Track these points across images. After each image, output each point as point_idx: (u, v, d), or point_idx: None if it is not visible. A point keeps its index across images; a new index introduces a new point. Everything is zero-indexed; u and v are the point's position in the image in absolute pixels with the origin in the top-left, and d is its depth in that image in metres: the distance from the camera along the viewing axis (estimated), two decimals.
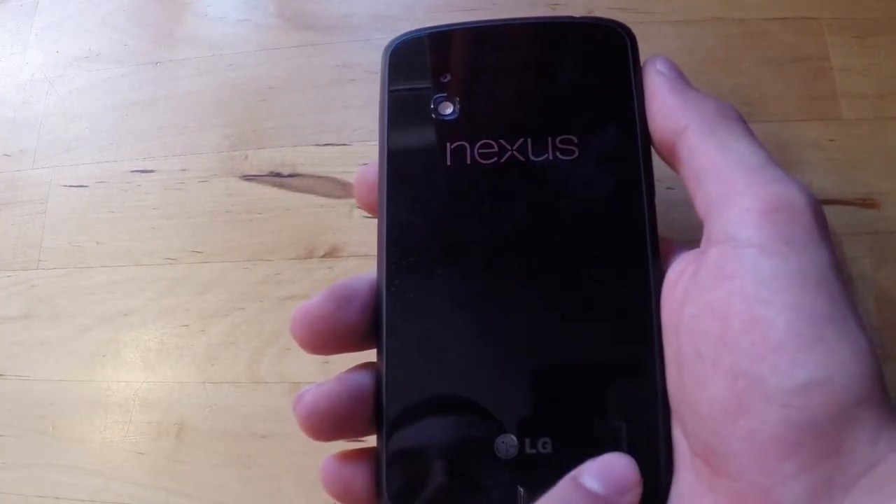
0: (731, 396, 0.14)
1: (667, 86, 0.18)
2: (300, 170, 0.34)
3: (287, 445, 0.30)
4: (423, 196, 0.19)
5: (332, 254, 0.32)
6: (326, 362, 0.30)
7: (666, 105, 0.18)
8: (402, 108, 0.20)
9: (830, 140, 0.30)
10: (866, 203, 0.29)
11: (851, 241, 0.29)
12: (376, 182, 0.19)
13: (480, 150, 0.19)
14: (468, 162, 0.19)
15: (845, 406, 0.13)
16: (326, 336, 0.17)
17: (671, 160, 0.18)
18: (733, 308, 0.14)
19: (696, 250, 0.17)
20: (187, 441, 0.31)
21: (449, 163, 0.19)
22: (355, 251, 0.32)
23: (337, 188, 0.33)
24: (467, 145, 0.19)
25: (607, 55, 0.19)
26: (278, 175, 0.34)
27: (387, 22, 0.36)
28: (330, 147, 0.34)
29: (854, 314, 0.14)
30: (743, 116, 0.17)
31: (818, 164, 0.30)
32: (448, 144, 0.19)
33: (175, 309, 0.33)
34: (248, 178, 0.34)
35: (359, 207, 0.20)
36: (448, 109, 0.19)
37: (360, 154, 0.33)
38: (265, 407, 0.30)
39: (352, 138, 0.34)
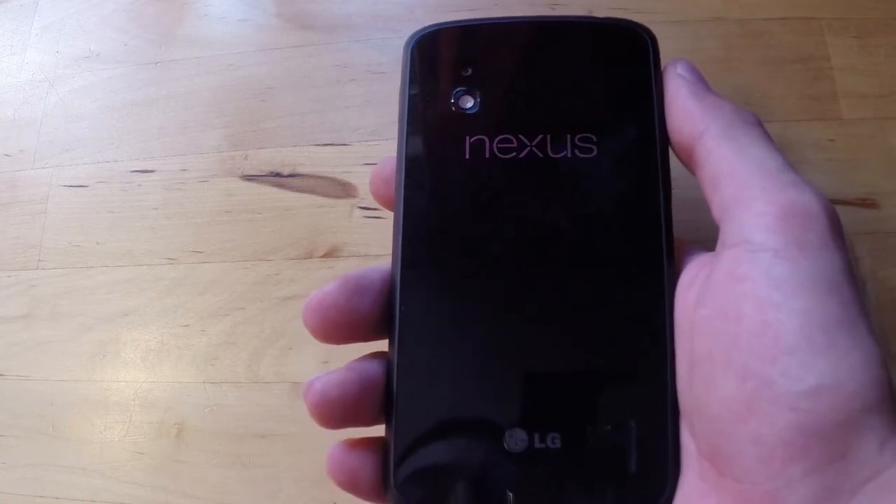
0: (740, 398, 0.14)
1: (686, 89, 0.18)
2: (300, 170, 0.34)
3: (287, 445, 0.30)
4: (440, 188, 0.19)
5: (332, 254, 0.32)
6: (327, 362, 0.30)
7: (685, 109, 0.18)
8: (422, 100, 0.20)
9: (830, 140, 0.30)
10: (866, 203, 0.29)
11: (851, 241, 0.29)
12: (393, 176, 0.19)
13: (499, 145, 0.19)
14: (487, 156, 0.19)
15: (853, 412, 0.13)
16: (339, 325, 0.17)
17: (689, 163, 0.18)
18: (745, 310, 0.14)
19: (711, 253, 0.17)
20: (187, 441, 0.31)
21: (468, 156, 0.19)
22: (355, 251, 0.32)
23: (337, 188, 0.33)
24: (486, 139, 0.19)
25: (628, 56, 0.19)
26: (278, 175, 0.34)
27: (387, 22, 0.36)
28: (330, 147, 0.34)
29: (865, 320, 0.14)
30: (761, 121, 0.17)
31: (818, 164, 0.30)
32: (467, 138, 0.19)
33: (175, 309, 0.33)
34: (248, 178, 0.34)
35: (375, 201, 0.20)
36: (468, 103, 0.19)
37: (361, 154, 0.33)
38: (265, 407, 0.30)
39: (352, 138, 0.34)
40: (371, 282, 0.18)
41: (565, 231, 0.18)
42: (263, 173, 0.34)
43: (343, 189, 0.33)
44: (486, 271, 0.18)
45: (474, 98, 0.19)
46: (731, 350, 0.14)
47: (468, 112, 0.19)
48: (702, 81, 0.19)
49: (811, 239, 0.14)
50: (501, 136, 0.19)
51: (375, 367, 0.18)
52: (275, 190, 0.34)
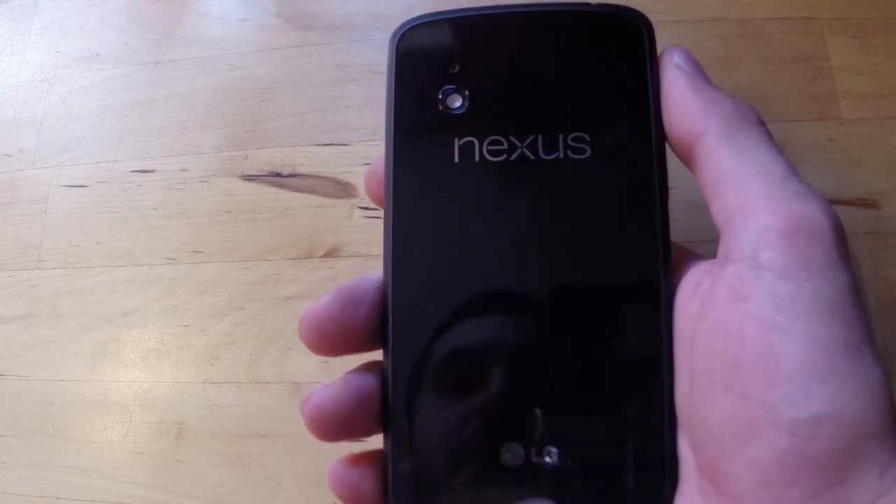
0: (741, 420, 0.14)
1: (684, 82, 0.17)
2: (300, 170, 0.34)
3: (287, 445, 0.30)
4: (430, 194, 0.18)
5: (332, 254, 0.32)
6: (326, 362, 0.30)
7: (684, 105, 0.17)
8: (409, 99, 0.19)
9: (830, 140, 0.30)
10: (866, 203, 0.29)
11: (851, 242, 0.29)
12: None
13: (489, 147, 0.18)
14: (476, 159, 0.18)
15: (854, 439, 0.13)
16: (334, 338, 0.17)
17: (687, 161, 0.18)
18: (748, 332, 0.14)
19: (712, 261, 0.17)
20: (187, 441, 0.31)
21: (457, 160, 0.18)
22: (355, 251, 0.32)
23: (337, 188, 0.33)
24: (476, 141, 0.18)
25: (622, 46, 0.18)
26: (278, 175, 0.34)
27: (387, 22, 0.36)
28: (330, 147, 0.34)
29: (869, 342, 0.14)
30: (763, 119, 0.17)
31: (818, 164, 0.30)
32: (456, 140, 0.18)
33: (175, 309, 0.33)
34: (248, 178, 0.34)
35: (371, 201, 0.20)
36: (457, 102, 0.18)
37: (361, 154, 0.33)
38: (265, 407, 0.30)
39: (352, 138, 0.34)
40: (365, 292, 0.18)
41: (560, 238, 0.18)
42: (263, 173, 0.34)
43: (343, 189, 0.33)
44: (479, 281, 0.18)
45: (462, 97, 0.18)
46: (732, 371, 0.14)
47: (456, 112, 0.18)
48: (700, 72, 0.18)
49: (817, 256, 0.14)
50: (491, 138, 0.18)
51: (371, 380, 0.17)
52: (275, 190, 0.34)
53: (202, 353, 0.32)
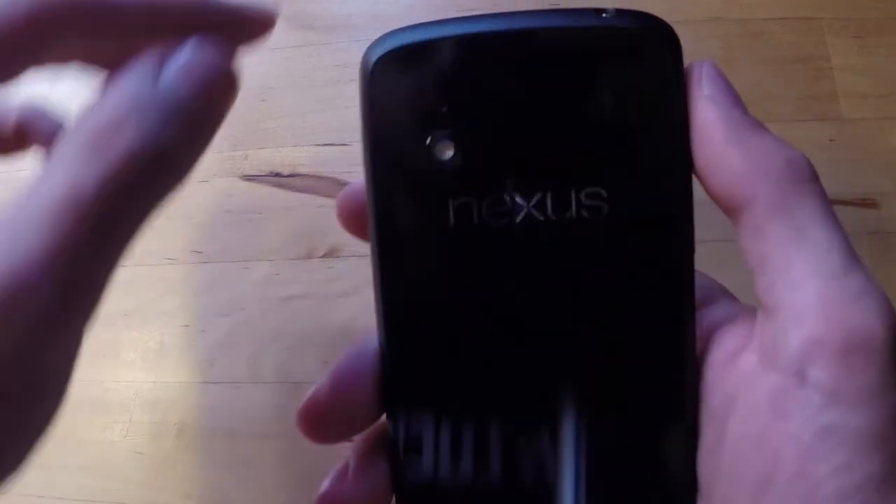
0: None
1: (722, 127, 0.15)
2: (300, 170, 0.34)
3: (286, 445, 0.30)
4: (424, 267, 0.16)
5: (332, 254, 0.32)
6: (326, 362, 0.30)
7: (724, 161, 0.15)
8: (389, 146, 0.16)
9: (830, 140, 0.30)
10: (866, 203, 0.29)
11: (851, 242, 0.29)
12: (364, 211, 0.17)
13: (489, 207, 0.15)
14: (475, 222, 0.15)
15: None
16: (339, 427, 0.17)
17: (730, 217, 0.16)
18: (784, 454, 0.14)
19: (749, 325, 0.16)
20: (187, 441, 0.31)
21: (452, 223, 0.15)
22: (355, 251, 0.32)
23: (337, 188, 0.33)
24: (473, 200, 0.15)
25: (644, 73, 0.15)
26: (278, 175, 0.34)
27: (387, 22, 0.36)
28: (330, 147, 0.34)
29: None
30: (815, 172, 0.15)
31: (818, 164, 0.29)
32: (451, 201, 0.15)
33: (175, 309, 0.33)
34: (248, 178, 0.34)
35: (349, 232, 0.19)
36: (448, 152, 0.15)
37: (361, 154, 0.33)
38: (265, 407, 0.30)
39: (352, 138, 0.34)
40: (362, 372, 0.17)
41: (576, 311, 0.16)
42: (263, 173, 0.34)
43: (343, 189, 0.33)
44: (483, 364, 0.16)
45: (454, 144, 0.15)
46: (760, 486, 0.14)
47: (448, 164, 0.15)
48: (736, 105, 0.15)
49: (870, 380, 0.13)
50: (491, 197, 0.15)
51: (384, 465, 0.17)
52: (275, 190, 0.34)
53: (202, 353, 0.32)
